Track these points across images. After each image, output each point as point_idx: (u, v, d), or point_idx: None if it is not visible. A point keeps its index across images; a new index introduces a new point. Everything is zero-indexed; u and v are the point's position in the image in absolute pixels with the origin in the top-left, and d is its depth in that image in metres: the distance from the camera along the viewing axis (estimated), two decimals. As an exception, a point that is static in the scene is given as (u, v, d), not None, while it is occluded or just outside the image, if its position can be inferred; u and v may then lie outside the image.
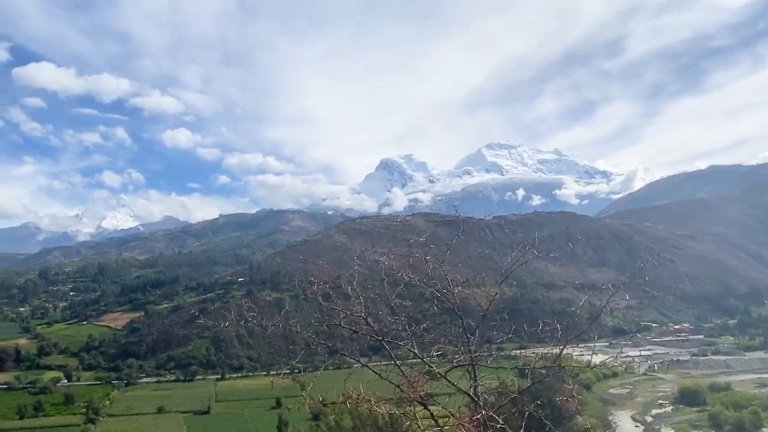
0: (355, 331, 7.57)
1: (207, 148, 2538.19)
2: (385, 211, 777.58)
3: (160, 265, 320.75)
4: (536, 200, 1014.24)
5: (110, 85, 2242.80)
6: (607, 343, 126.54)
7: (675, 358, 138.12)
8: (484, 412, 6.20)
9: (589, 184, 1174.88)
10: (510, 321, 9.81)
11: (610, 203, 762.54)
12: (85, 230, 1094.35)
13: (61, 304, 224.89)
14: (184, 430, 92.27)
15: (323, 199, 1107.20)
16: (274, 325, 8.55)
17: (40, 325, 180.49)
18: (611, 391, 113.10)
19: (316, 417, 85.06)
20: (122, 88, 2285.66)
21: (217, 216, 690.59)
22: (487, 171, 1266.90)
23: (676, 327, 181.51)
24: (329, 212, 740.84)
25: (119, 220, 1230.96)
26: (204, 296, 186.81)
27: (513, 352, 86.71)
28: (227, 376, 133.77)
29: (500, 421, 6.07)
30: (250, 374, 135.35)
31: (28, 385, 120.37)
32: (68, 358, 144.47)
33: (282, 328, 8.38)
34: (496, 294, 8.75)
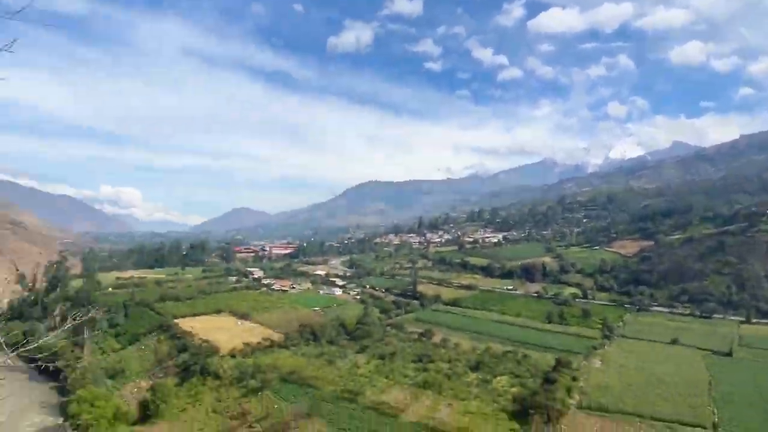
0: None
1: (721, 58, 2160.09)
2: None
3: (669, 194, 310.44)
4: None
5: (611, 13, 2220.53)
6: None
7: None
8: None
9: None
10: None
11: None
12: (593, 161, 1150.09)
13: (575, 230, 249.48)
14: (703, 366, 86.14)
15: None
16: None
17: (560, 246, 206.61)
18: None
19: None
20: (624, 12, 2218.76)
21: (736, 137, 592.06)
22: None
23: None
24: None
25: (626, 149, 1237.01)
26: (722, 228, 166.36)
27: None
28: (753, 320, 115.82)
29: None
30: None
31: (552, 297, 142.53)
32: (583, 277, 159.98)
33: None
34: None
